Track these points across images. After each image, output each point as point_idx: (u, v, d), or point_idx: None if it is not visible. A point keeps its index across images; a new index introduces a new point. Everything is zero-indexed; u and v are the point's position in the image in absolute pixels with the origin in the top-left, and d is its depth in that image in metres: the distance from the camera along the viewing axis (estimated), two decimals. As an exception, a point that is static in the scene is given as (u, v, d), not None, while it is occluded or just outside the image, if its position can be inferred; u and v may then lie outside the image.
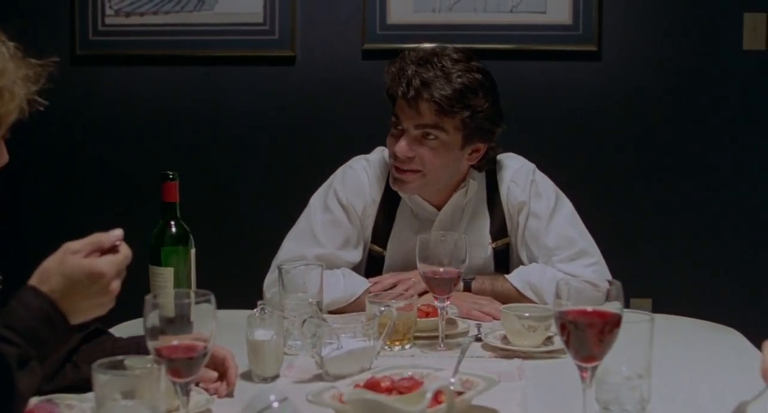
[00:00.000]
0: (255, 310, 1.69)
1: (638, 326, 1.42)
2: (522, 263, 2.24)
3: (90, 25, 3.64)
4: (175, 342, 1.28)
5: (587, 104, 3.62)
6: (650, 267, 3.64)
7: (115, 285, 1.31)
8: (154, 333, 1.29)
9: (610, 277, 2.18)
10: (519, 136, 3.60)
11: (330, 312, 2.09)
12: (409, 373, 1.50)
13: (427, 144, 2.12)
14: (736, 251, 3.62)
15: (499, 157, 2.30)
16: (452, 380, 1.49)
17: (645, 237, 3.65)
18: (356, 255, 2.26)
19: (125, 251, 1.33)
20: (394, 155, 2.15)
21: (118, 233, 1.33)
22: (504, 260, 2.29)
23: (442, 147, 2.12)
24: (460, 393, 1.43)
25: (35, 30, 3.66)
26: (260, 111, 3.68)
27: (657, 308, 3.64)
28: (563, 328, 1.34)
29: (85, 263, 1.29)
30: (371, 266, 2.28)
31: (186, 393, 1.30)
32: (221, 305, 2.04)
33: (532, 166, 2.30)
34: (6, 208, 3.72)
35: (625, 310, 1.45)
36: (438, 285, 1.83)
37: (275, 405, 1.20)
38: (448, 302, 1.85)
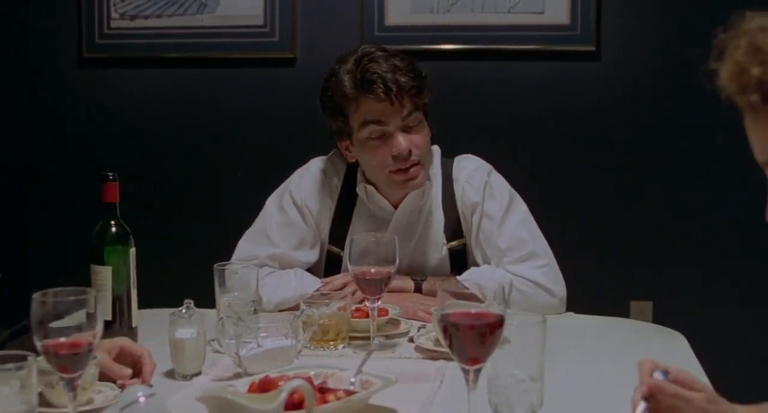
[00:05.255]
0: (179, 308, 1.73)
1: (530, 328, 1.41)
2: (477, 265, 2.24)
3: (96, 29, 3.72)
4: (62, 339, 1.32)
5: (586, 104, 3.58)
6: (652, 270, 3.60)
7: None
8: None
9: (560, 279, 2.16)
10: (517, 136, 3.61)
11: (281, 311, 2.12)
12: (312, 373, 1.52)
13: (413, 131, 2.18)
14: (738, 253, 3.55)
15: (456, 158, 2.30)
16: (352, 380, 1.51)
17: (646, 239, 3.60)
18: (312, 256, 2.28)
19: None
20: (393, 159, 2.16)
21: None
22: (461, 261, 2.28)
23: (423, 127, 2.21)
24: (351, 393, 1.44)
25: (43, 34, 3.76)
26: (261, 112, 3.72)
27: (658, 311, 3.60)
28: (445, 331, 1.33)
29: None
30: (329, 266, 2.30)
31: (72, 388, 1.33)
32: (160, 304, 2.08)
33: (488, 167, 2.29)
34: (9, 208, 3.82)
35: (517, 313, 1.45)
36: (368, 286, 1.84)
37: (141, 400, 1.22)
38: (379, 303, 1.87)
